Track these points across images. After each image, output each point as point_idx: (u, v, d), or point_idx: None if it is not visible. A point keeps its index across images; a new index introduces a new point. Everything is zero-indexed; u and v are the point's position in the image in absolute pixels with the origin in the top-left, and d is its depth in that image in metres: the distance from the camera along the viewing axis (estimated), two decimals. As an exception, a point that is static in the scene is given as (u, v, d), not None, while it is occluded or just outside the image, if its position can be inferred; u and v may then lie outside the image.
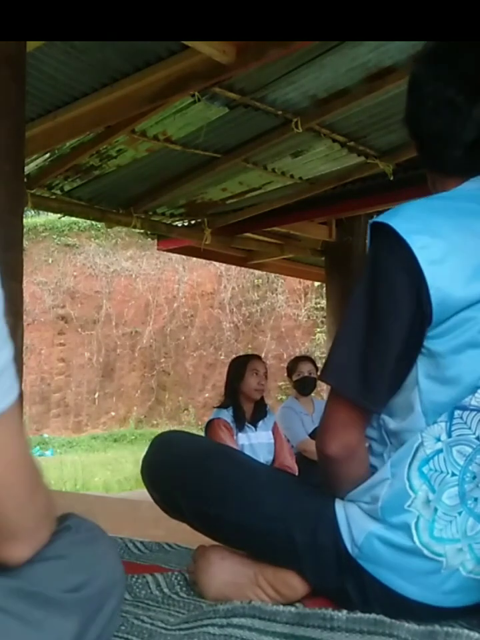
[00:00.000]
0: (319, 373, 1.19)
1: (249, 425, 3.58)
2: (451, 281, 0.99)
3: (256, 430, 3.60)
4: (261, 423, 3.62)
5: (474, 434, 1.03)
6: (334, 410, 1.08)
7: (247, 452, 3.33)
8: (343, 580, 1.09)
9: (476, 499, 1.03)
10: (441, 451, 1.03)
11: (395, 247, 1.01)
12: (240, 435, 3.52)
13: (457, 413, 1.03)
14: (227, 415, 3.54)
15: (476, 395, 1.02)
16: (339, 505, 1.11)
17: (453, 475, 1.03)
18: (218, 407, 3.65)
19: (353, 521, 1.08)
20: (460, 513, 1.03)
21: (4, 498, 0.72)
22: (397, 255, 1.01)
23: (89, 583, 0.81)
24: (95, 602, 0.81)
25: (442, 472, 1.03)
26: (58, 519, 0.87)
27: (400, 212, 1.06)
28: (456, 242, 1.02)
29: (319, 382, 4.79)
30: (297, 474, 3.49)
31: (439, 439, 1.03)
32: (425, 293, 0.99)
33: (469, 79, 1.11)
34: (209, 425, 3.56)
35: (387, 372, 1.03)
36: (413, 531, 1.03)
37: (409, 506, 1.03)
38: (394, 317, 1.01)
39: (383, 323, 1.02)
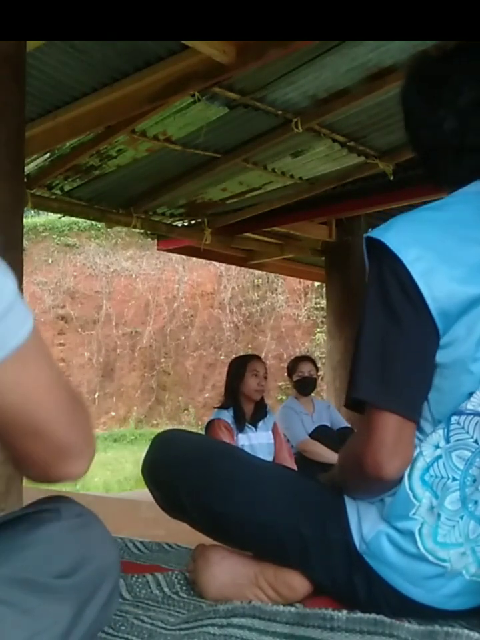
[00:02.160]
0: (345, 398, 1.12)
1: (250, 426, 3.58)
2: (445, 289, 1.01)
3: (256, 430, 3.60)
4: (261, 423, 3.62)
5: (472, 438, 1.03)
6: (383, 429, 1.02)
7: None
8: (350, 574, 1.09)
9: (476, 502, 1.03)
10: (440, 457, 1.04)
11: (390, 263, 1.03)
12: (240, 435, 3.52)
13: (454, 418, 1.04)
14: (227, 416, 3.53)
15: (471, 399, 1.03)
16: (349, 499, 1.11)
17: (454, 479, 1.03)
18: (218, 408, 3.64)
19: (365, 517, 1.08)
20: (462, 517, 1.03)
21: (51, 419, 0.75)
22: (392, 271, 1.03)
23: (82, 568, 0.81)
24: (89, 586, 0.82)
25: (443, 477, 1.03)
26: (46, 500, 0.89)
27: (391, 226, 1.08)
28: (444, 250, 1.03)
29: (319, 382, 4.80)
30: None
31: (437, 446, 1.04)
32: (425, 305, 1.01)
33: (454, 97, 1.12)
34: (209, 426, 3.56)
35: (419, 381, 1.04)
36: (417, 538, 1.03)
37: (414, 514, 1.04)
38: (410, 326, 1.02)
39: (404, 333, 1.02)
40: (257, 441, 3.56)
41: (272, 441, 3.65)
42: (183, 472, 1.24)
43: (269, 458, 3.57)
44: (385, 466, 1.02)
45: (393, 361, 1.02)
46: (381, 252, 1.04)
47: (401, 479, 1.05)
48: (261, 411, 3.65)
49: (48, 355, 0.77)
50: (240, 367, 3.65)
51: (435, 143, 1.15)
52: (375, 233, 1.07)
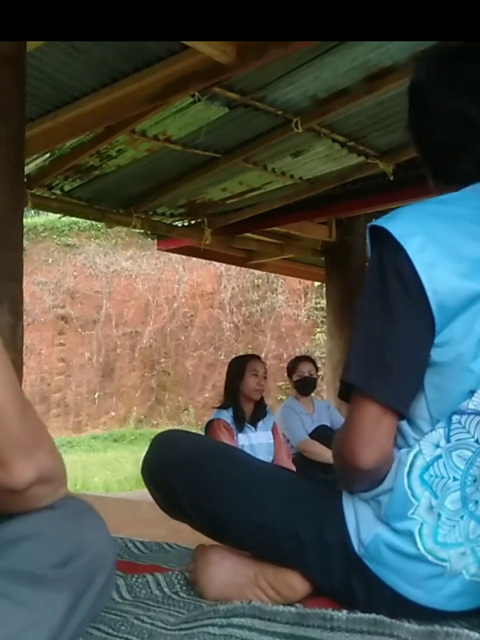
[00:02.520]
0: (339, 377, 1.11)
1: (249, 426, 3.58)
2: (447, 283, 1.00)
3: (256, 430, 3.59)
4: (260, 423, 3.62)
5: (473, 437, 1.03)
6: (362, 416, 1.02)
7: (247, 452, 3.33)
8: (349, 577, 1.09)
9: (477, 502, 1.03)
10: (440, 456, 1.03)
11: (392, 252, 1.02)
12: (240, 435, 3.52)
13: (455, 417, 1.03)
14: (226, 416, 3.53)
15: (472, 398, 1.03)
16: (347, 503, 1.11)
17: (455, 479, 1.03)
18: (218, 408, 3.64)
19: (362, 520, 1.08)
20: (462, 517, 1.03)
21: None
22: (394, 260, 1.02)
23: (76, 558, 0.81)
24: (84, 576, 0.81)
25: (443, 477, 1.03)
26: None
27: (396, 216, 1.07)
28: (448, 243, 1.02)
29: (319, 382, 4.80)
30: (296, 474, 3.48)
31: (437, 445, 1.03)
32: (424, 297, 1.00)
33: (478, 88, 1.10)
34: (209, 426, 3.56)
35: (408, 373, 1.03)
36: (417, 538, 1.03)
37: (413, 513, 1.03)
38: (405, 318, 1.02)
39: (397, 324, 1.02)
40: (257, 441, 3.56)
41: (272, 441, 3.65)
42: (182, 473, 1.24)
43: (269, 458, 3.57)
44: (359, 454, 1.02)
45: (383, 350, 1.02)
46: (384, 240, 1.03)
47: (386, 474, 1.05)
48: (260, 410, 3.65)
49: (2, 359, 0.78)
50: (239, 366, 3.65)
51: (453, 134, 1.12)
52: (379, 222, 1.06)
